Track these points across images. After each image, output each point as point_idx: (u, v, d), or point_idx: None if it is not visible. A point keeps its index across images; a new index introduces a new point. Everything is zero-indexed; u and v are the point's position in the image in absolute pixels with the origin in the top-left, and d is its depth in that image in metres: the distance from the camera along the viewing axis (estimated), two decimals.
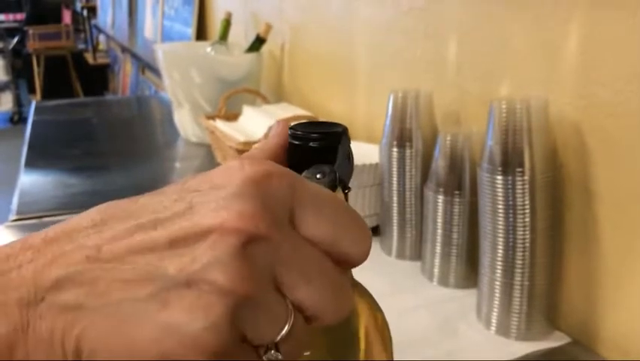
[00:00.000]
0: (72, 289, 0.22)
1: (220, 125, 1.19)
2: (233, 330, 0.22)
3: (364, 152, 0.86)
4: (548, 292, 0.63)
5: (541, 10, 0.65)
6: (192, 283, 0.22)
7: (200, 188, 0.24)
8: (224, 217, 0.22)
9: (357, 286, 0.33)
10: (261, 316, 0.23)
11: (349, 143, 0.29)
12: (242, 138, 1.05)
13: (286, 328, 0.23)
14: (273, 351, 0.24)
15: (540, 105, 0.61)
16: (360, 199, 0.84)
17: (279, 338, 0.23)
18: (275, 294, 0.23)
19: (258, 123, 1.10)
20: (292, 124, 0.30)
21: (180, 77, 1.36)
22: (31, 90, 5.93)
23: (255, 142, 0.99)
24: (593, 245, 0.62)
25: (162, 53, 1.38)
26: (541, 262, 0.62)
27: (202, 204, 0.23)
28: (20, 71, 6.19)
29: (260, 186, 0.24)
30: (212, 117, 1.24)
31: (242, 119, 1.20)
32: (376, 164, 0.83)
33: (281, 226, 0.23)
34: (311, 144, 0.29)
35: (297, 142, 0.29)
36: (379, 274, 0.76)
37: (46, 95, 5.45)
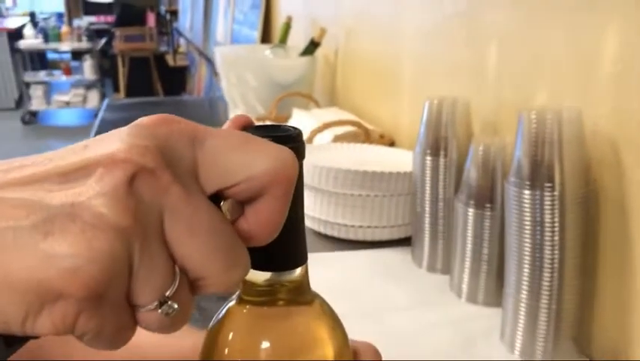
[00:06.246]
0: None
1: None
2: (115, 269, 0.21)
3: (400, 159, 0.84)
4: (577, 317, 0.59)
5: (578, 17, 0.61)
6: (76, 216, 0.21)
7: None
8: (113, 150, 0.22)
9: (323, 305, 0.31)
10: (145, 262, 0.22)
11: (303, 147, 0.28)
12: None
13: (172, 287, 0.22)
14: (169, 302, 0.22)
15: (573, 117, 0.57)
16: (393, 208, 0.82)
17: (163, 297, 0.22)
18: (161, 246, 0.22)
19: (305, 127, 1.10)
20: (250, 128, 0.29)
21: (236, 80, 1.38)
22: (116, 89, 6.21)
23: None
24: (628, 267, 0.57)
25: (220, 56, 1.40)
26: (571, 283, 0.58)
27: (96, 143, 0.23)
28: (107, 71, 6.50)
29: (156, 129, 0.23)
30: (262, 119, 1.25)
31: (291, 122, 1.20)
32: (409, 172, 0.80)
33: (173, 169, 0.23)
34: None
35: None
36: (408, 285, 0.74)
37: (130, 94, 5.68)
